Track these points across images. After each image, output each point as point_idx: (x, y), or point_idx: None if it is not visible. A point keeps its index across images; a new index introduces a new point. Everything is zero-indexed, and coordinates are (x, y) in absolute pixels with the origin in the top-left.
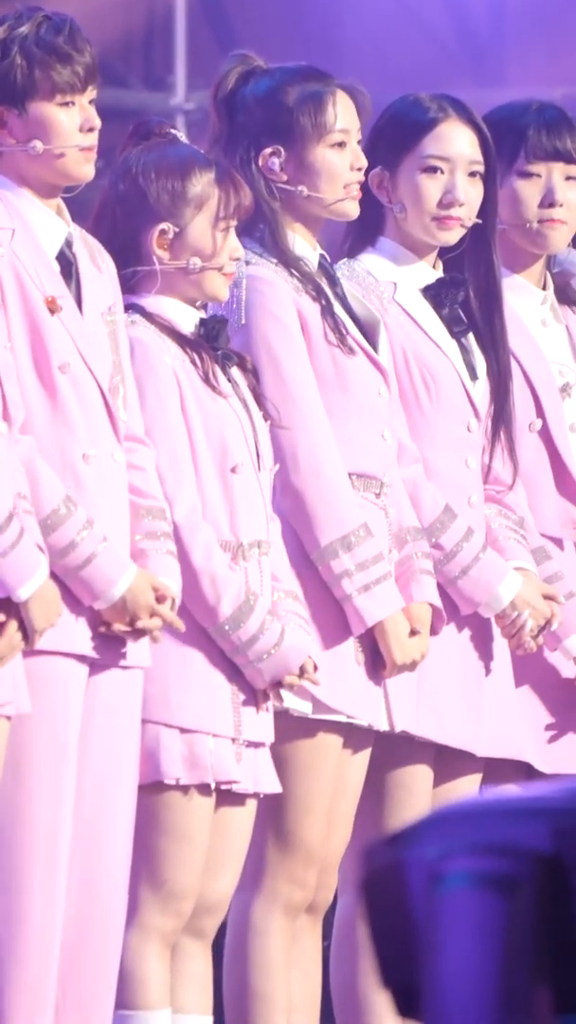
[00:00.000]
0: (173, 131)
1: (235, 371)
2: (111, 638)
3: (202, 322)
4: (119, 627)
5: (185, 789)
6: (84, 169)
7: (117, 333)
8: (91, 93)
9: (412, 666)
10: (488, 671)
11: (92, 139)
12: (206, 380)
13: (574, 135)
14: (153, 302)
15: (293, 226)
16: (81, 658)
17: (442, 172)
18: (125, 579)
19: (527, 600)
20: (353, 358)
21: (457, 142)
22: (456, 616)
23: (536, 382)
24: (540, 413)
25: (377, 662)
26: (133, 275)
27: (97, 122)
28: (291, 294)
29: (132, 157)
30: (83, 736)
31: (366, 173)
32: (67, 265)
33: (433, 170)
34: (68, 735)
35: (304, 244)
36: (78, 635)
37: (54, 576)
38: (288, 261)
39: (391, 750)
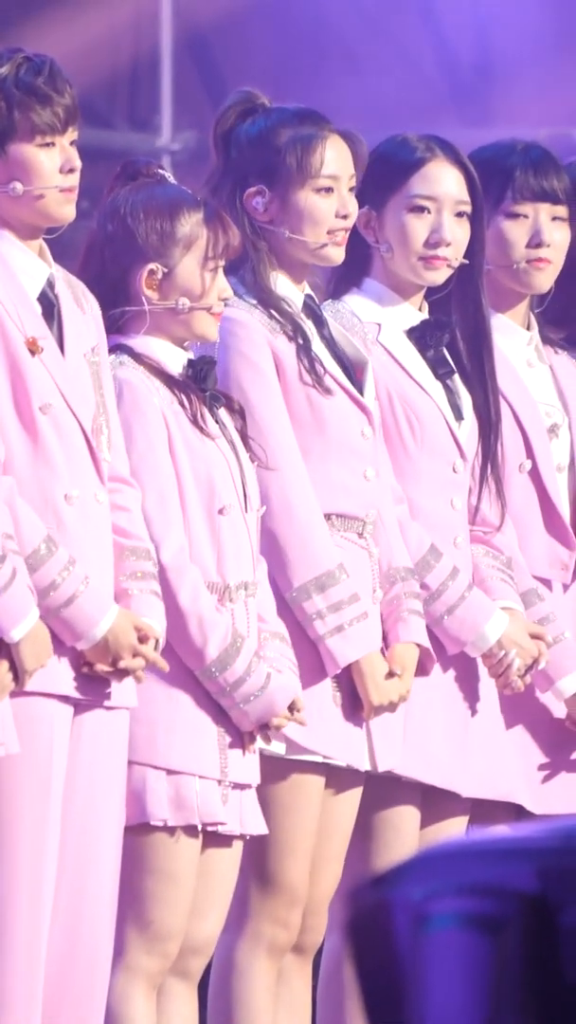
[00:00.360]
0: (161, 171)
1: (223, 412)
2: (95, 678)
3: (190, 363)
4: (101, 667)
5: (172, 831)
6: (65, 210)
7: (101, 374)
8: (72, 134)
9: (391, 707)
10: (475, 711)
11: (73, 180)
12: (194, 422)
13: (560, 175)
14: (142, 343)
15: (277, 268)
16: (65, 698)
17: (429, 212)
18: (107, 619)
19: (514, 639)
20: (331, 398)
21: (444, 182)
22: (443, 656)
23: (525, 423)
24: (529, 454)
25: (356, 703)
26: (122, 315)
27: (78, 163)
28: (265, 335)
29: (120, 197)
30: (68, 775)
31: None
32: (49, 306)
33: (420, 210)
34: (53, 775)
35: (288, 284)
36: (61, 676)
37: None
38: (268, 301)
39: (378, 790)
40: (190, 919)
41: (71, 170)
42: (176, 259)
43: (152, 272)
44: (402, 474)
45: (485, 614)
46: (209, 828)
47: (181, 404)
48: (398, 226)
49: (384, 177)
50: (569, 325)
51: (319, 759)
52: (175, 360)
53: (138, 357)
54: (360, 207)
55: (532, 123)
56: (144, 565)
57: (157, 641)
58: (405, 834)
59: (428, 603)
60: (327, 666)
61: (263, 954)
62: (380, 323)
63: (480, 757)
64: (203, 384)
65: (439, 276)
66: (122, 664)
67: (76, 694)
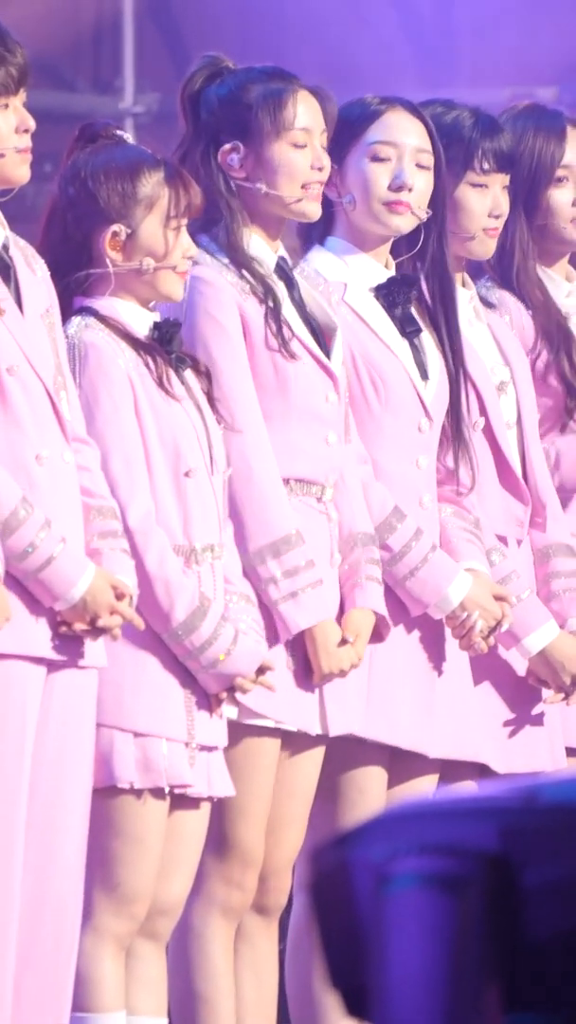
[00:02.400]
0: (119, 133)
1: (189, 374)
2: (69, 638)
3: (156, 325)
4: (79, 627)
5: (139, 793)
6: (20, 171)
7: (55, 334)
8: (23, 95)
9: (341, 674)
10: (441, 672)
11: (28, 141)
12: (160, 384)
13: (510, 144)
14: (107, 305)
15: (251, 226)
16: (39, 660)
17: (389, 159)
18: (84, 579)
19: (477, 601)
20: (295, 363)
21: (403, 130)
22: (406, 618)
23: (477, 380)
24: (483, 411)
25: (310, 668)
26: (86, 278)
27: (31, 123)
28: (234, 296)
29: (80, 160)
30: (38, 736)
31: None
32: (5, 269)
33: (380, 157)
34: (25, 737)
35: (262, 244)
36: (38, 637)
37: (12, 578)
38: (240, 261)
39: (344, 751)
40: (158, 881)
41: (26, 130)
42: (139, 220)
43: (115, 234)
44: (366, 435)
45: (448, 576)
46: (177, 790)
47: (147, 366)
48: (359, 175)
49: (343, 130)
50: (500, 271)
51: (270, 723)
52: (141, 322)
53: (103, 319)
54: None
55: (495, 84)
56: (111, 524)
57: (132, 598)
58: (371, 795)
59: (391, 564)
60: (280, 632)
61: (218, 916)
62: (346, 282)
63: (446, 717)
64: (168, 346)
65: (403, 222)
66: (100, 623)
67: (52, 654)
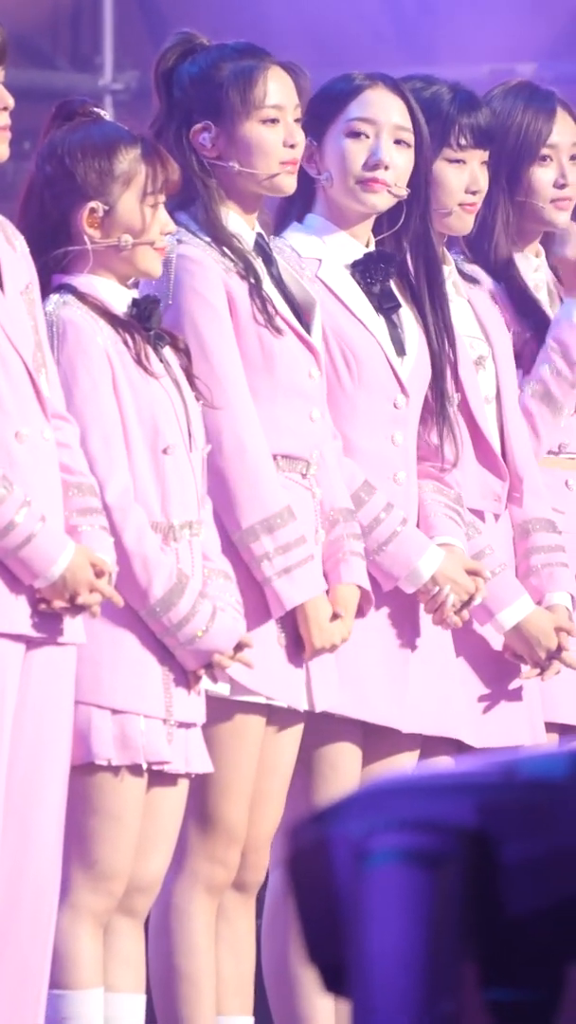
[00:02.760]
0: (96, 110)
1: (168, 351)
2: (48, 615)
3: (135, 302)
4: (59, 604)
5: (116, 770)
6: (0, 148)
7: (35, 311)
8: (1, 73)
9: (332, 649)
10: (415, 647)
11: (6, 118)
12: (138, 361)
13: (488, 119)
14: (85, 282)
15: (228, 203)
16: (18, 637)
17: (367, 136)
18: (64, 557)
19: (448, 575)
20: (281, 339)
21: (382, 106)
22: (378, 592)
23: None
24: (458, 386)
25: (299, 644)
26: (64, 256)
27: (10, 101)
28: (220, 273)
29: (56, 138)
30: (16, 713)
31: None
32: None
33: (358, 134)
34: (3, 714)
35: (239, 221)
36: (17, 614)
37: None
38: (220, 238)
39: (317, 727)
40: (136, 858)
41: (4, 108)
42: (116, 196)
43: (93, 210)
44: (338, 411)
45: (418, 549)
46: (154, 767)
47: (125, 343)
48: (337, 152)
49: (323, 106)
50: (475, 247)
51: (261, 700)
52: (119, 299)
53: (82, 296)
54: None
55: (475, 59)
56: (90, 500)
57: (111, 575)
58: (344, 771)
59: (360, 538)
60: (272, 608)
61: (201, 892)
62: (320, 258)
63: (421, 692)
64: (147, 323)
65: (379, 200)
66: (80, 600)
67: (32, 632)
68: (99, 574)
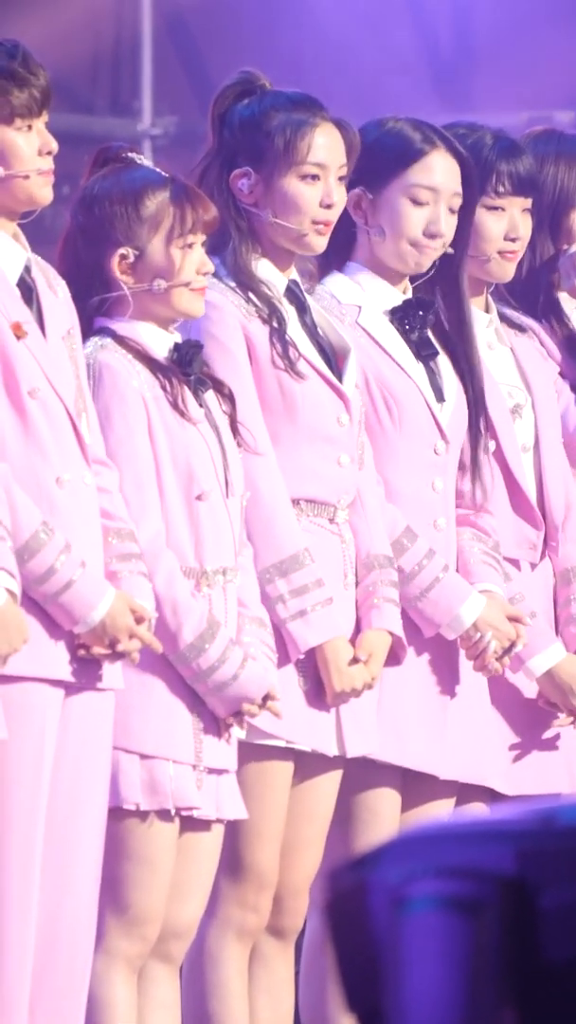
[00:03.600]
0: (130, 155)
1: (210, 396)
2: (87, 660)
3: (176, 347)
4: (99, 650)
5: (146, 815)
6: (44, 192)
7: (76, 356)
8: (45, 116)
9: (355, 694)
10: (454, 694)
11: (50, 163)
12: (174, 406)
13: (529, 166)
14: (126, 326)
15: (259, 250)
16: (57, 682)
17: (427, 203)
18: (104, 603)
19: (490, 622)
20: (303, 383)
21: (444, 173)
22: (419, 639)
23: (488, 404)
24: (493, 435)
25: (322, 688)
26: (102, 302)
27: (54, 145)
28: (238, 317)
29: (89, 185)
30: (55, 758)
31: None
32: (27, 291)
33: (419, 201)
34: (43, 761)
35: (270, 268)
36: (57, 660)
37: (31, 601)
38: (246, 283)
39: (357, 773)
40: (171, 903)
41: (49, 152)
42: (145, 240)
43: (123, 256)
44: (379, 456)
45: (460, 596)
46: (184, 812)
47: (163, 387)
48: (395, 213)
49: (384, 161)
50: (523, 298)
51: (282, 743)
52: (160, 343)
53: (121, 340)
54: (352, 187)
55: (513, 107)
56: (130, 546)
57: (151, 622)
58: (385, 817)
59: (402, 585)
60: (289, 650)
61: (233, 938)
62: (360, 305)
63: (458, 739)
64: (188, 368)
65: (427, 262)
66: (120, 647)
67: (70, 678)
68: (139, 620)
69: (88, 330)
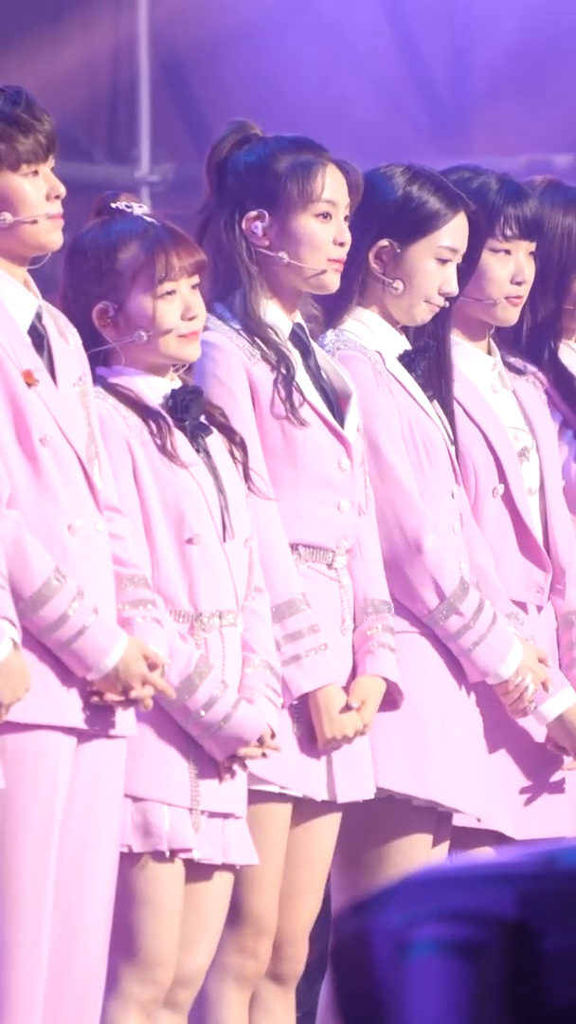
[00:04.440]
0: (120, 204)
1: (214, 440)
2: (99, 707)
3: (172, 393)
4: (112, 697)
5: (143, 857)
6: (53, 237)
7: (88, 403)
8: (52, 161)
9: (347, 740)
10: (472, 738)
11: (59, 207)
12: (163, 450)
13: (533, 210)
14: (119, 375)
15: (268, 294)
16: (70, 730)
17: (449, 262)
18: (117, 649)
19: (528, 666)
20: (305, 429)
21: (464, 235)
22: (465, 681)
23: (497, 447)
24: (502, 478)
25: (314, 733)
26: (98, 353)
27: (62, 189)
28: (242, 360)
29: (76, 239)
30: (67, 804)
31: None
32: (38, 338)
33: (445, 261)
34: (55, 808)
35: (278, 311)
36: (69, 707)
37: (43, 648)
38: (252, 328)
39: (394, 815)
40: (179, 950)
41: (57, 196)
42: (123, 293)
43: (104, 311)
44: (426, 503)
45: (508, 643)
46: (182, 855)
47: (151, 432)
48: (421, 271)
49: (418, 219)
50: (528, 351)
51: (275, 789)
52: (154, 390)
53: (111, 387)
54: (378, 238)
55: (512, 150)
56: (143, 592)
57: (164, 668)
58: (417, 861)
59: (462, 632)
60: (283, 696)
61: (231, 984)
62: (380, 351)
63: (486, 782)
64: (184, 414)
65: (427, 319)
66: (133, 694)
67: (83, 725)
68: (152, 667)
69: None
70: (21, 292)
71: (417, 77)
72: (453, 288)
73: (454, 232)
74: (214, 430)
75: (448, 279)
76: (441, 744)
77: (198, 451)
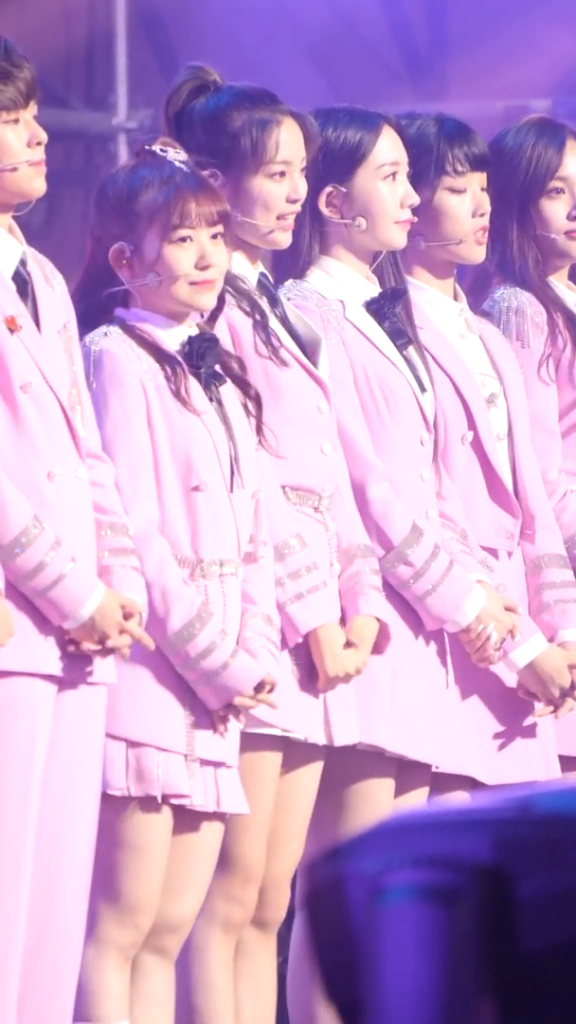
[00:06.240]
0: (157, 148)
1: (227, 390)
2: (78, 656)
3: (189, 340)
4: (88, 646)
5: (134, 802)
6: (36, 184)
7: (72, 349)
8: (33, 108)
9: (346, 679)
10: (446, 685)
11: (40, 153)
12: (176, 395)
13: (481, 143)
14: (138, 316)
15: (232, 245)
16: (49, 677)
17: (395, 177)
18: (93, 599)
19: (491, 613)
20: (287, 371)
21: (398, 145)
22: (423, 630)
23: (465, 393)
24: (471, 424)
25: (313, 675)
26: (117, 293)
27: (43, 136)
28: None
29: (104, 181)
30: (48, 752)
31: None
32: (22, 284)
33: (393, 176)
34: (35, 756)
35: (243, 261)
36: (46, 655)
37: (21, 596)
38: (225, 279)
39: (353, 762)
40: (167, 897)
41: (39, 143)
42: (140, 236)
43: (119, 251)
44: (379, 450)
45: (465, 590)
46: (174, 801)
47: (166, 376)
48: (374, 197)
49: (346, 152)
50: (484, 293)
51: (277, 732)
52: (171, 336)
53: (130, 328)
54: (319, 186)
55: (489, 96)
56: (123, 540)
57: (141, 616)
58: (381, 806)
59: (413, 581)
60: (287, 634)
61: (218, 931)
62: (342, 300)
63: (448, 728)
64: (200, 361)
65: (405, 239)
66: (109, 643)
67: (61, 673)
68: (129, 615)
69: (102, 319)
70: (5, 238)
71: (394, 23)
72: (414, 197)
73: (385, 148)
74: (228, 380)
75: (405, 192)
76: (390, 691)
77: (211, 400)
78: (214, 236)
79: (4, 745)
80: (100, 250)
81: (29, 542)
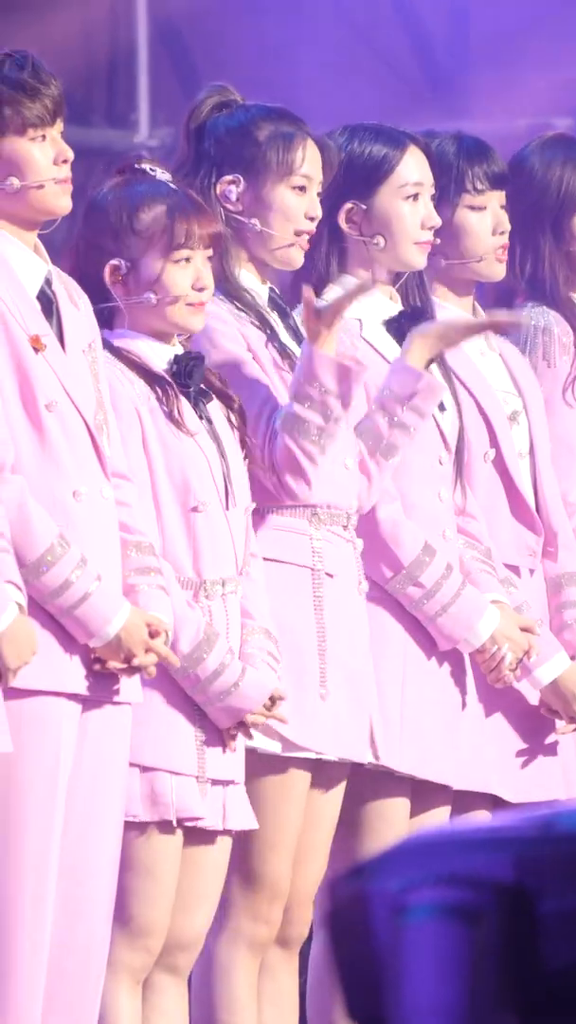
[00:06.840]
0: (144, 166)
1: (214, 407)
2: (103, 674)
3: (176, 359)
4: (114, 664)
5: (148, 826)
6: (62, 201)
7: (97, 369)
8: (59, 126)
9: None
10: (464, 704)
11: (67, 171)
12: (170, 417)
13: (498, 159)
14: (124, 338)
15: (242, 259)
16: (74, 696)
17: (418, 198)
18: (119, 617)
19: (505, 634)
20: None
21: (424, 166)
22: (435, 650)
23: (488, 411)
24: (493, 442)
25: (348, 696)
26: (105, 312)
27: (70, 154)
28: (235, 325)
29: (95, 195)
30: (72, 771)
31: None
32: (47, 303)
33: (415, 196)
34: (59, 775)
35: (252, 277)
36: (72, 674)
37: (47, 615)
38: (233, 292)
39: (369, 782)
40: (178, 915)
41: (64, 160)
42: (138, 253)
43: (115, 268)
44: (395, 470)
45: (478, 611)
46: (187, 823)
47: (158, 399)
48: (395, 216)
49: (368, 169)
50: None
51: (312, 755)
52: (158, 355)
53: (117, 352)
54: (340, 203)
55: (511, 114)
56: (149, 560)
57: (167, 635)
58: (396, 825)
59: (422, 602)
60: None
61: (244, 950)
62: (360, 318)
63: (468, 748)
64: (187, 380)
65: (424, 260)
66: (135, 661)
67: (86, 692)
68: (155, 634)
69: None
70: (30, 257)
71: (416, 41)
72: (435, 219)
73: (410, 167)
74: (214, 396)
75: (427, 214)
76: (399, 711)
77: (201, 418)
78: (207, 259)
79: (29, 763)
80: (87, 265)
81: (55, 560)
